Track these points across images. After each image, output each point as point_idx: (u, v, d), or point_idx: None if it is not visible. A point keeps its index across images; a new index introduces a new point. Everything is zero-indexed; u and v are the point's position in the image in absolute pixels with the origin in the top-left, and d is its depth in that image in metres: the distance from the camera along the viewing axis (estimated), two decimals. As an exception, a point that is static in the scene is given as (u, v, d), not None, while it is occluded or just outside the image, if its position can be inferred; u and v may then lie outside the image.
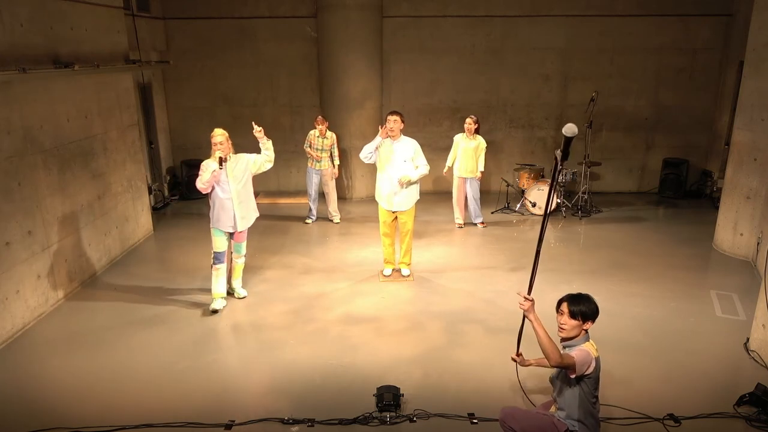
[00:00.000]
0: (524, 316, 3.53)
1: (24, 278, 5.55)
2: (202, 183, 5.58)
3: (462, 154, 8.25)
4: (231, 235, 5.88)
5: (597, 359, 3.34)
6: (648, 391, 4.46)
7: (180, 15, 10.03)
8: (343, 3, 9.40)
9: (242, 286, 6.29)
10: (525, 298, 3.46)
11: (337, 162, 8.77)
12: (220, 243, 5.81)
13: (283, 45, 10.17)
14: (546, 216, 3.46)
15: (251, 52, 10.21)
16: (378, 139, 6.26)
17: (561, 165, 3.23)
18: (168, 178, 10.23)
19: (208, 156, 5.73)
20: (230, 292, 6.20)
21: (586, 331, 3.40)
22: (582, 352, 3.29)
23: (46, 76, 5.85)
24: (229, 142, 5.66)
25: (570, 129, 3.04)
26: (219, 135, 5.59)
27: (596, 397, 3.42)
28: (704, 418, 4.14)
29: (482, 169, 8.39)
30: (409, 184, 6.31)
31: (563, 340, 3.43)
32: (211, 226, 5.80)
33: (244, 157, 5.84)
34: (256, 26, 10.09)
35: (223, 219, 5.72)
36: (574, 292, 3.55)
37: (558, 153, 3.15)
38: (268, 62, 10.26)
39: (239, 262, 6.13)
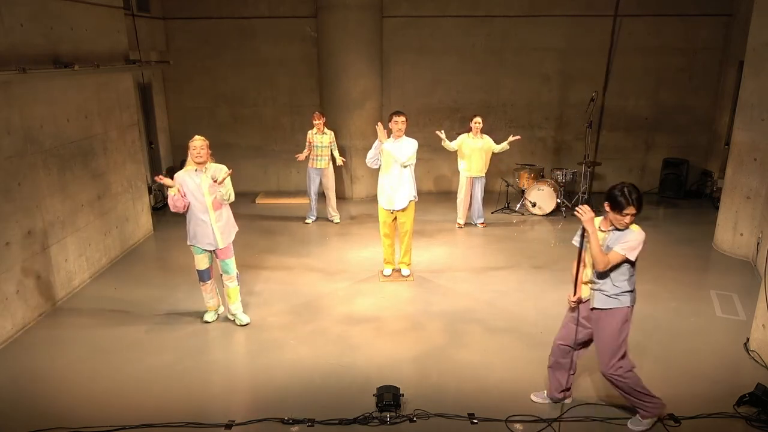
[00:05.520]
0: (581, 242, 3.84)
1: (24, 278, 5.55)
2: (170, 204, 5.13)
3: (470, 155, 8.24)
4: (215, 254, 5.38)
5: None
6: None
7: (180, 15, 10.03)
8: (343, 3, 9.40)
9: (243, 311, 5.67)
10: (585, 212, 3.70)
11: (338, 155, 8.72)
12: (200, 261, 5.38)
13: (283, 45, 10.17)
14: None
15: (251, 52, 10.21)
16: (377, 143, 6.28)
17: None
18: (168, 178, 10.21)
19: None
20: (231, 320, 5.68)
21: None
22: (635, 235, 3.70)
23: (46, 76, 5.85)
24: (209, 150, 5.16)
25: None
26: (198, 139, 5.10)
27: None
28: (704, 418, 4.14)
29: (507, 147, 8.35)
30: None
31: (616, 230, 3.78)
32: (188, 243, 5.34)
33: (220, 168, 5.19)
34: (256, 26, 10.09)
35: (200, 235, 5.23)
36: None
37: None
38: (268, 62, 10.26)
39: (231, 286, 5.48)
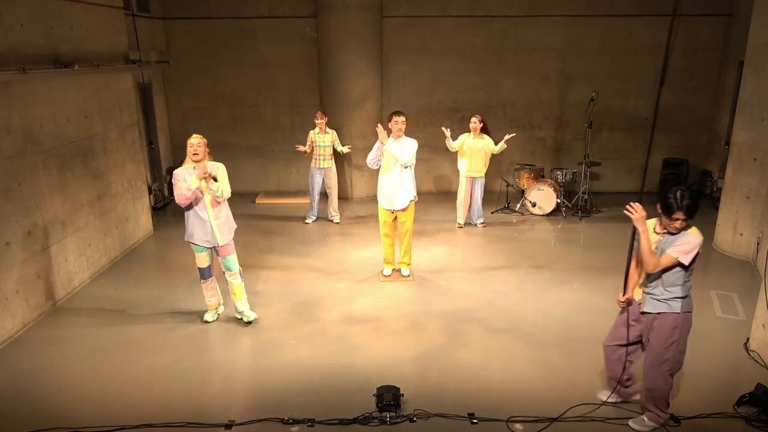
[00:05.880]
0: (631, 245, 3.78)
1: (24, 278, 5.55)
2: (181, 198, 5.10)
3: (470, 154, 8.24)
4: (216, 251, 5.41)
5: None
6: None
7: (180, 15, 10.03)
8: (343, 3, 9.40)
9: (250, 308, 5.69)
10: (636, 209, 3.63)
11: (341, 147, 8.69)
12: (201, 259, 5.38)
13: (283, 45, 10.17)
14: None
15: (251, 52, 10.21)
16: (378, 145, 6.28)
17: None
18: (168, 178, 10.22)
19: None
20: (238, 317, 5.68)
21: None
22: (691, 239, 3.60)
23: (46, 76, 5.85)
24: (207, 149, 5.19)
25: None
26: (195, 137, 5.14)
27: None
28: (704, 418, 4.14)
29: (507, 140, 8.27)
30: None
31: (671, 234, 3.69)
32: (185, 239, 5.36)
33: (215, 167, 5.21)
34: (256, 26, 10.09)
35: (198, 233, 5.25)
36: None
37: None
38: (268, 62, 10.26)
39: (235, 283, 5.49)
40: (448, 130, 8.18)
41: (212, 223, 5.25)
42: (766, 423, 4.06)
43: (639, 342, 4.03)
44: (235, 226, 5.53)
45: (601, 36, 10.05)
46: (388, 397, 4.22)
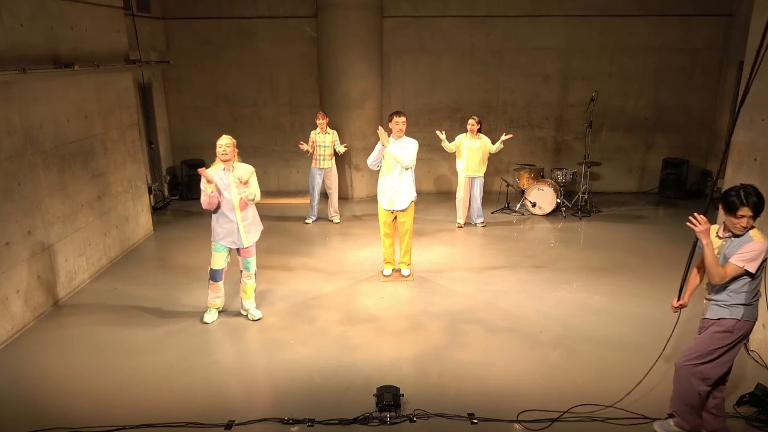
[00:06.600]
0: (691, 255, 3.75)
1: (24, 278, 5.55)
2: (204, 204, 5.15)
3: (467, 154, 8.25)
4: (237, 251, 5.45)
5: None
6: (648, 391, 4.46)
7: (180, 15, 10.03)
8: (343, 3, 9.41)
9: (256, 307, 5.78)
10: (700, 221, 3.51)
11: (339, 147, 8.65)
12: (219, 260, 5.41)
13: (283, 45, 10.18)
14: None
15: (251, 52, 10.21)
16: (380, 147, 6.29)
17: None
18: (168, 178, 10.22)
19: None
20: (244, 314, 5.75)
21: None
22: (755, 245, 3.41)
23: (46, 76, 5.86)
24: (236, 149, 5.26)
25: None
26: (225, 137, 5.19)
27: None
28: (704, 418, 4.13)
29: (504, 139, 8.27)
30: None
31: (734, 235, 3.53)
32: (212, 239, 5.40)
33: (245, 168, 5.33)
34: (256, 26, 10.10)
35: (224, 234, 5.31)
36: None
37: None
38: (268, 62, 10.27)
39: (249, 282, 5.58)
40: (443, 133, 8.21)
41: (239, 224, 5.30)
42: (766, 423, 4.06)
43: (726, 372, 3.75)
44: (262, 227, 5.58)
45: (601, 36, 10.06)
46: (388, 397, 4.22)
